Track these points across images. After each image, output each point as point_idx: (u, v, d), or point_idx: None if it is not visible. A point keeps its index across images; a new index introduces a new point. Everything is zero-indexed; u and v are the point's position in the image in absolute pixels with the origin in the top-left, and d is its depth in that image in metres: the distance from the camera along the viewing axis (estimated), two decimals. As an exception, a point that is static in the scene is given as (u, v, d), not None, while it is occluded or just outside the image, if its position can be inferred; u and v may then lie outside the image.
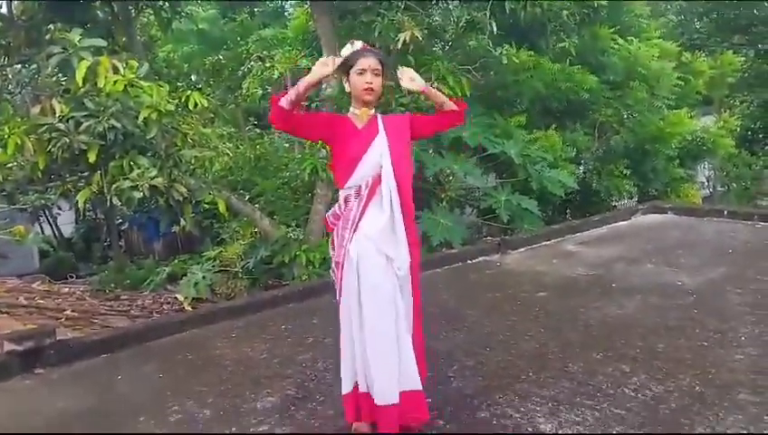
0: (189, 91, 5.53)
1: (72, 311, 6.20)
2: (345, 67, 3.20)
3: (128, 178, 4.70)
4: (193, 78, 11.27)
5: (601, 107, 9.24)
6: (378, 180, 3.16)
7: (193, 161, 5.43)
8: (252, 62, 9.67)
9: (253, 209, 7.59)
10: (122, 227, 15.65)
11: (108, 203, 4.97)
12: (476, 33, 7.51)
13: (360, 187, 3.15)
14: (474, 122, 7.59)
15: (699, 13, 13.78)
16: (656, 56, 9.42)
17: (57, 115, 4.65)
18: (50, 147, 4.64)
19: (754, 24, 13.22)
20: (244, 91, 9.27)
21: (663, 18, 13.68)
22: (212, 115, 8.01)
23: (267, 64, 8.73)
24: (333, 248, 3.17)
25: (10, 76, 5.75)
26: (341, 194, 3.17)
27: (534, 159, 7.63)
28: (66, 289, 7.44)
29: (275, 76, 9.04)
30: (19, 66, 6.43)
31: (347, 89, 3.20)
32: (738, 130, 11.22)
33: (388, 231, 3.15)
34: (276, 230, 7.63)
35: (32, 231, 8.76)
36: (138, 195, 4.74)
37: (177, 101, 5.37)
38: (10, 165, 5.08)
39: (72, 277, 15.10)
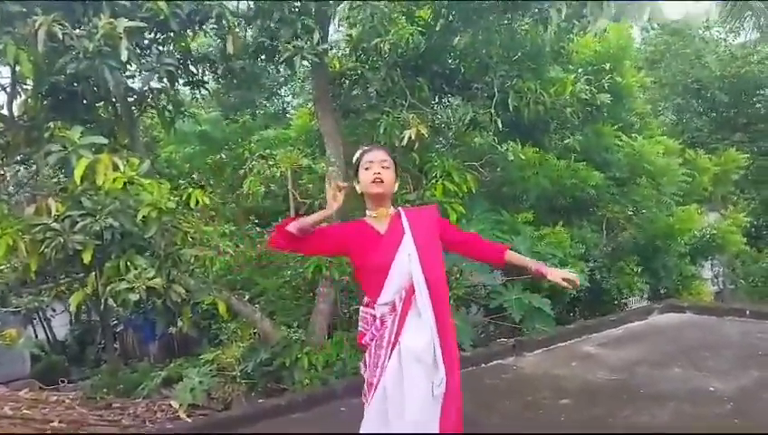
0: (191, 189, 5.37)
1: (60, 422, 5.81)
2: (355, 170, 3.05)
3: (124, 280, 4.45)
4: (195, 177, 11.22)
5: (608, 203, 9.11)
6: (411, 290, 2.93)
7: (193, 261, 5.19)
8: (253, 161, 9.64)
9: (253, 310, 7.29)
10: (117, 329, 15.25)
11: (102, 305, 4.69)
12: (480, 130, 7.46)
13: (394, 302, 2.92)
14: (480, 218, 7.43)
15: (698, 112, 13.96)
16: (660, 153, 9.38)
17: (53, 215, 4.45)
18: (43, 248, 4.42)
19: (753, 123, 13.37)
20: (245, 189, 9.18)
21: (662, 117, 13.82)
22: (213, 213, 7.85)
23: (270, 163, 8.67)
24: (366, 367, 2.92)
25: (8, 176, 5.58)
26: (377, 311, 2.93)
27: (544, 255, 7.41)
28: (55, 397, 7.04)
29: (277, 175, 8.97)
30: (18, 166, 6.31)
31: (358, 190, 3.02)
32: (747, 226, 11.06)
33: (429, 347, 2.90)
34: (277, 332, 7.31)
35: (23, 334, 8.41)
36: (134, 297, 4.48)
37: (177, 198, 5.20)
38: (2, 267, 4.85)
39: (63, 382, 14.58)
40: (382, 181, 2.96)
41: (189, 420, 6.83)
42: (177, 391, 7.72)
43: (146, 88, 6.96)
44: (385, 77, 7.01)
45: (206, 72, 7.87)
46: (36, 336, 16.35)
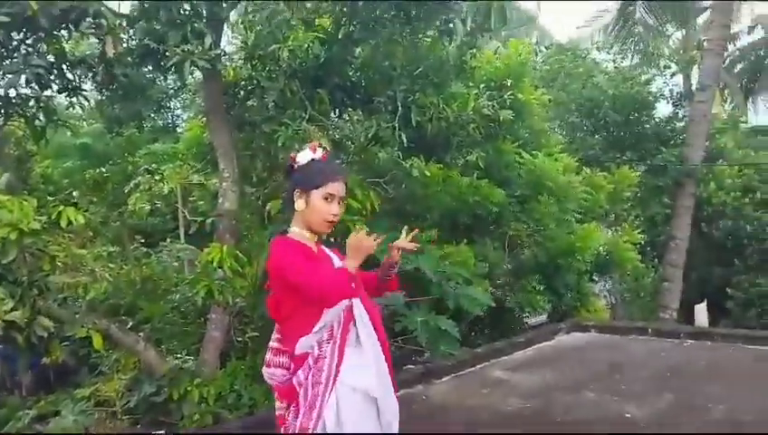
0: (62, 207, 4.71)
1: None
2: (304, 182, 2.60)
3: (-25, 314, 3.78)
4: (75, 194, 10.35)
5: (510, 221, 9.02)
6: (349, 315, 2.52)
7: (64, 288, 4.53)
8: (139, 177, 8.94)
9: (136, 339, 6.60)
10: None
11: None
12: (383, 145, 7.15)
13: (332, 327, 2.48)
14: (381, 238, 7.08)
15: (590, 130, 14.31)
16: (560, 170, 9.41)
17: None
18: None
19: (642, 141, 13.82)
20: (129, 206, 8.48)
21: (556, 135, 14.08)
22: (91, 234, 7.13)
23: (156, 177, 8.03)
24: (292, 415, 2.45)
25: None
26: (306, 344, 2.48)
27: (450, 275, 7.16)
28: None
29: (165, 191, 8.33)
30: None
31: (298, 207, 2.57)
32: (641, 243, 11.30)
33: (377, 381, 2.51)
34: (163, 362, 6.66)
35: None
36: (-12, 334, 3.81)
37: (45, 218, 4.54)
38: None
39: None
40: (334, 223, 2.58)
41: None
42: (50, 430, 6.94)
43: (11, 93, 6.23)
44: (283, 87, 6.56)
45: (84, 79, 7.15)
46: None
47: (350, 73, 7.85)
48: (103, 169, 9.37)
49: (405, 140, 6.79)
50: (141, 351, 6.67)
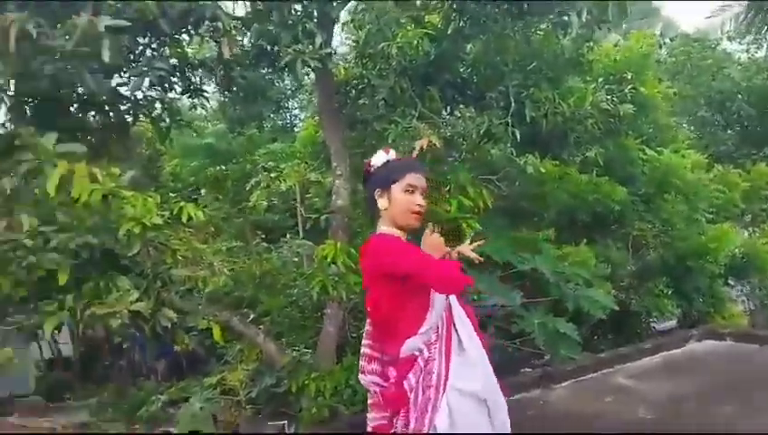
0: (182, 203, 4.92)
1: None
2: (381, 180, 2.58)
3: (103, 304, 4.01)
4: (202, 192, 10.85)
5: (634, 220, 8.59)
6: (450, 316, 2.47)
7: (185, 281, 4.73)
8: (259, 175, 9.23)
9: (256, 332, 6.83)
10: (124, 346, 14.89)
11: (80, 331, 4.26)
12: (496, 142, 6.99)
13: (437, 328, 2.45)
14: (496, 236, 6.94)
15: (722, 125, 13.42)
16: (688, 167, 8.86)
17: (25, 231, 4.02)
18: (13, 267, 3.98)
19: (782, 136, 12.81)
20: (250, 203, 8.77)
21: (684, 130, 13.30)
22: (213, 229, 7.44)
23: (273, 175, 8.26)
24: (398, 423, 2.42)
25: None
26: (413, 346, 2.45)
27: (569, 276, 6.90)
28: (47, 424, 6.60)
29: (283, 189, 8.54)
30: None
31: (381, 205, 2.54)
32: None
33: (486, 383, 2.46)
34: (282, 355, 6.84)
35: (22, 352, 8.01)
36: (116, 322, 4.03)
37: (167, 213, 4.77)
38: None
39: (69, 399, 14.26)
40: (421, 216, 2.54)
41: (187, 450, 6.40)
42: (179, 416, 7.31)
43: (139, 95, 6.61)
44: (393, 85, 6.57)
45: (206, 81, 7.48)
46: (41, 353, 16.06)
47: (461, 70, 7.76)
48: (224, 168, 9.73)
49: (518, 137, 6.61)
50: (261, 343, 6.89)
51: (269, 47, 6.46)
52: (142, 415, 7.82)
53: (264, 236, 10.92)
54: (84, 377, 15.42)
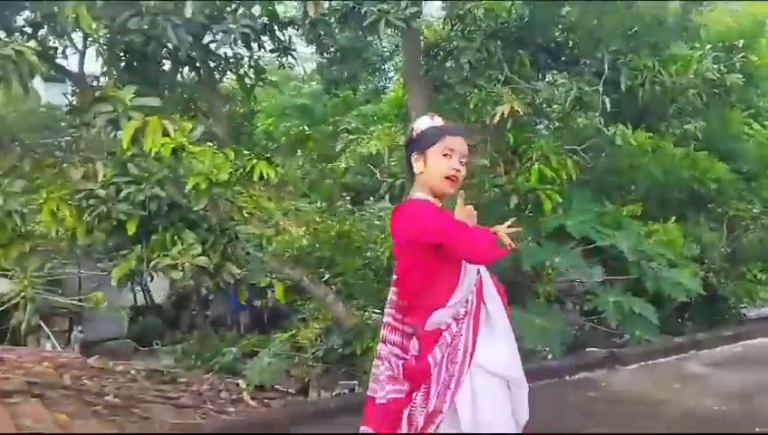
0: (255, 161, 4.94)
1: (115, 396, 5.60)
2: (420, 143, 2.45)
3: (168, 256, 4.08)
4: (299, 153, 10.93)
5: (732, 199, 8.03)
6: (480, 291, 2.36)
7: (250, 238, 4.77)
8: (349, 136, 9.20)
9: (326, 292, 6.87)
10: (210, 297, 15.44)
11: (146, 281, 4.36)
12: (585, 111, 6.64)
13: (467, 302, 2.35)
14: (579, 209, 6.65)
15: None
16: (799, 145, 8.20)
17: (99, 181, 4.13)
18: (86, 215, 4.11)
19: None
20: (341, 164, 8.78)
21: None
22: (291, 188, 7.49)
23: (361, 138, 8.21)
24: (417, 398, 2.34)
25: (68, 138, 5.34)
26: (440, 319, 2.35)
27: (650, 255, 6.55)
28: (121, 367, 6.91)
29: (373, 152, 8.47)
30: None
31: (416, 169, 2.42)
32: None
33: (511, 361, 2.36)
34: (350, 316, 6.87)
35: (105, 297, 8.40)
36: (177, 275, 4.11)
37: (240, 170, 4.80)
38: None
39: (158, 344, 14.99)
40: (457, 181, 2.40)
41: (252, 404, 6.55)
42: (248, 370, 7.49)
43: (229, 53, 6.67)
44: (480, 47, 6.33)
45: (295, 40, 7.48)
46: (135, 300, 16.90)
47: (556, 34, 7.41)
48: (304, 127, 9.76)
49: (608, 105, 6.26)
50: (331, 303, 6.94)
51: (355, 6, 6.35)
52: (215, 365, 8.08)
53: (350, 197, 10.99)
54: (174, 325, 16.17)
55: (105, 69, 6.34)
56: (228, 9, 5.93)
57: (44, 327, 10.95)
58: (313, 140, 9.03)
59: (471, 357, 2.28)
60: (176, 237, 4.22)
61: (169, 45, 5.73)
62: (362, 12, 6.06)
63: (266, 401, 6.77)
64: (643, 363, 5.23)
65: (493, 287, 2.43)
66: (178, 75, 6.79)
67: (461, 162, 2.38)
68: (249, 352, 8.64)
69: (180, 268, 4.07)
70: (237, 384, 7.12)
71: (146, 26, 4.72)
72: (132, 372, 6.80)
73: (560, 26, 7.33)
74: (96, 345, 14.99)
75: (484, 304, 2.38)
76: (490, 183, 6.23)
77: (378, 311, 7.40)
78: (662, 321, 6.83)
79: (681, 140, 7.85)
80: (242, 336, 11.77)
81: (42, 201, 4.15)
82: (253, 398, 6.74)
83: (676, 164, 7.47)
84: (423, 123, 2.45)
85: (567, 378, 4.93)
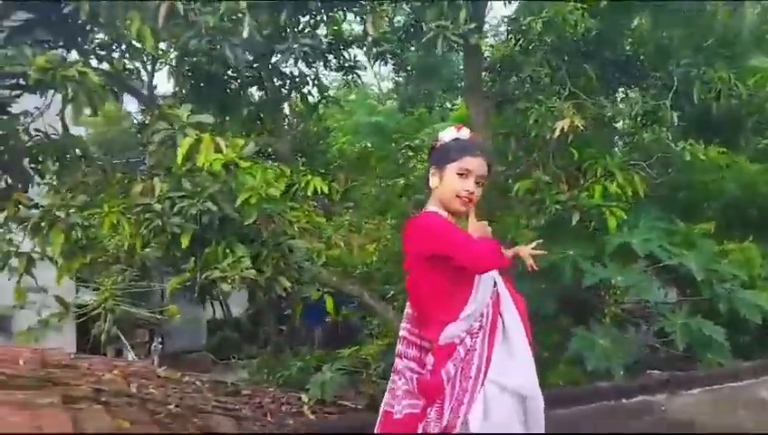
0: (309, 177, 5.05)
1: (176, 406, 5.76)
2: (439, 158, 2.46)
3: (217, 268, 4.20)
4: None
5: (817, 218, 7.57)
6: (497, 304, 2.35)
7: (304, 253, 4.86)
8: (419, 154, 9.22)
9: (385, 308, 6.89)
10: (286, 312, 15.74)
11: (196, 293, 4.50)
12: (652, 125, 6.44)
13: (481, 316, 2.34)
14: (645, 227, 6.42)
15: None
16: None
17: (156, 195, 4.30)
18: (143, 229, 4.29)
19: None
20: (401, 181, 8.82)
21: None
22: (352, 204, 7.59)
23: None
24: (432, 413, 2.33)
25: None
26: (453, 333, 2.35)
27: (723, 274, 6.25)
28: (187, 378, 7.11)
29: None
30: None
31: (432, 184, 2.43)
32: None
33: (527, 378, 2.33)
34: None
35: (177, 310, 8.70)
36: (227, 287, 4.22)
37: (294, 186, 4.92)
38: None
39: (235, 358, 15.38)
40: (471, 202, 2.39)
41: (312, 418, 6.60)
42: (311, 384, 7.56)
43: (295, 72, 6.85)
44: (541, 62, 6.25)
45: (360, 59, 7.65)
46: (214, 314, 17.39)
47: (626, 48, 7.24)
48: (368, 144, 9.87)
49: (676, 120, 6.05)
50: (391, 318, 6.95)
51: (415, 24, 6.42)
52: (279, 379, 8.20)
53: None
54: (251, 339, 16.54)
55: (176, 89, 6.66)
56: (289, 29, 6.12)
57: (122, 338, 11.42)
58: (377, 157, 9.09)
59: (485, 372, 2.25)
60: (227, 251, 4.34)
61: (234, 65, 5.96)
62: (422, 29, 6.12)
63: (327, 415, 6.80)
64: (708, 388, 4.99)
65: (510, 301, 2.39)
66: (248, 94, 7.05)
67: (477, 183, 2.37)
68: (315, 366, 8.73)
69: (230, 281, 4.18)
70: (300, 398, 7.18)
71: (205, 47, 4.91)
72: (198, 383, 6.98)
73: (629, 39, 7.16)
74: (175, 357, 15.53)
75: (501, 317, 2.34)
76: (551, 199, 6.10)
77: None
78: (739, 345, 6.50)
79: (759, 155, 7.49)
80: (314, 351, 11.92)
81: (104, 215, 4.35)
82: (314, 412, 6.78)
83: (754, 180, 7.11)
84: (447, 135, 2.46)
85: (624, 401, 4.74)
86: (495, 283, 2.39)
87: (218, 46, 4.82)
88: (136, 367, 7.09)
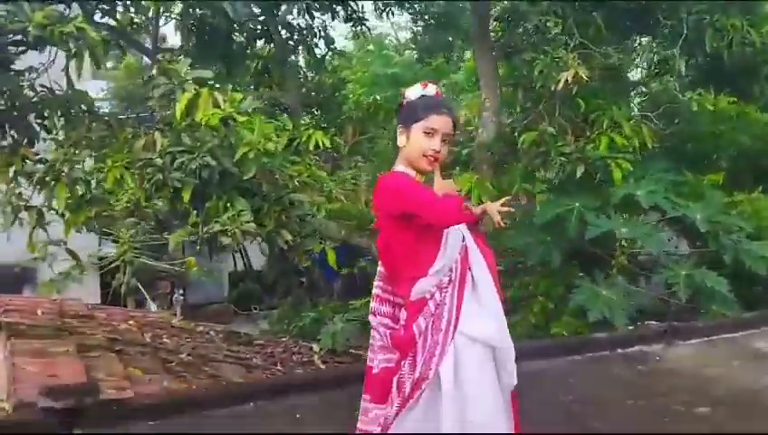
0: (311, 131, 5.09)
1: (188, 355, 5.95)
2: (406, 117, 2.48)
3: (218, 222, 4.30)
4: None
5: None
6: (466, 258, 2.39)
7: (306, 206, 4.93)
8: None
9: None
10: (305, 264, 15.85)
11: (198, 247, 4.61)
12: (662, 75, 6.34)
13: (450, 270, 2.39)
14: (654, 178, 6.38)
15: None
16: None
17: (158, 150, 4.38)
18: (145, 183, 4.39)
19: None
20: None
21: None
22: (360, 158, 7.64)
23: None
24: (405, 366, 2.40)
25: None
26: (423, 288, 2.39)
27: (728, 226, 6.21)
28: (201, 328, 7.29)
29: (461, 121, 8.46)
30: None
31: (399, 142, 2.46)
32: None
33: (499, 329, 2.38)
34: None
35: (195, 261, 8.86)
36: (227, 240, 4.32)
37: (296, 139, 4.97)
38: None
39: (256, 309, 15.63)
40: (437, 161, 2.41)
41: (322, 367, 6.76)
42: (322, 334, 7.71)
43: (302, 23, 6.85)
44: (547, 11, 6.16)
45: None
46: (236, 266, 17.63)
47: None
48: (377, 97, 9.84)
49: (683, 69, 5.95)
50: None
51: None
52: (293, 329, 8.36)
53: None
54: (272, 290, 16.77)
55: (182, 43, 6.70)
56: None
57: (142, 289, 11.66)
58: (386, 109, 9.07)
59: (455, 325, 2.30)
60: (228, 205, 4.43)
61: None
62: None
63: (337, 364, 6.95)
64: (706, 339, 5.02)
65: (479, 254, 2.43)
66: (254, 47, 7.06)
67: (443, 141, 2.38)
68: (330, 317, 8.88)
69: (230, 234, 4.28)
70: (311, 348, 7.34)
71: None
72: (212, 333, 7.16)
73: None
74: (197, 308, 15.80)
75: (470, 271, 2.38)
76: (556, 151, 6.08)
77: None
78: (745, 297, 6.49)
79: (771, 105, 7.36)
80: (332, 303, 12.08)
81: (107, 169, 4.45)
82: (324, 362, 6.93)
83: (765, 131, 7.00)
84: (413, 93, 2.46)
85: (619, 350, 4.80)
86: (464, 238, 2.42)
87: None
88: (152, 317, 7.28)
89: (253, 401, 3.87)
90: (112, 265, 7.42)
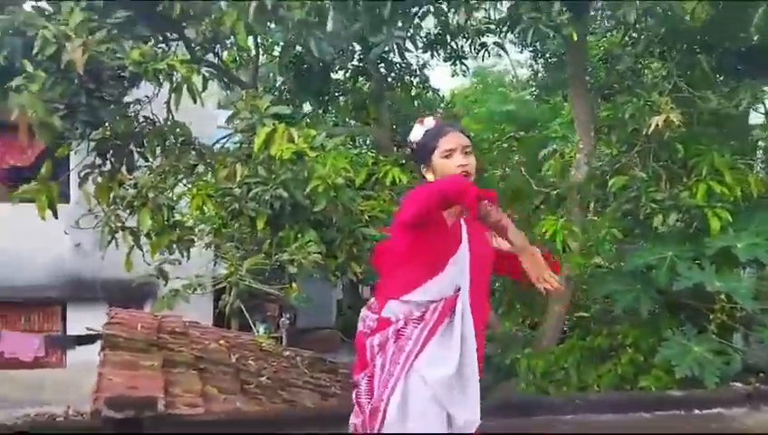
0: (388, 167, 5.22)
1: (268, 378, 6.17)
2: (422, 156, 2.53)
3: (286, 251, 4.48)
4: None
5: None
6: (450, 304, 2.40)
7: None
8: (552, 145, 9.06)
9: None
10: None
11: (266, 274, 4.82)
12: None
13: (431, 306, 2.40)
14: (757, 231, 5.97)
15: None
16: None
17: (237, 181, 4.65)
18: (223, 211, 4.66)
19: None
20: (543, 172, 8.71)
21: None
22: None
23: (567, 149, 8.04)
24: (363, 381, 2.44)
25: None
26: (393, 309, 2.43)
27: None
28: (288, 353, 7.53)
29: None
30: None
31: (429, 180, 2.50)
32: None
33: (454, 381, 2.34)
34: (499, 325, 6.86)
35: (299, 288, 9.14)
36: (293, 269, 4.49)
37: (374, 176, 5.12)
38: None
39: (362, 334, 15.90)
40: (469, 173, 2.43)
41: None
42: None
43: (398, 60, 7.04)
44: (642, 52, 5.99)
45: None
46: (344, 293, 18.01)
47: (751, 36, 6.73)
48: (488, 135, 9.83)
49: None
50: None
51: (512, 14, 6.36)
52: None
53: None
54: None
55: (280, 79, 7.06)
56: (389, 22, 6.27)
57: (245, 312, 12.10)
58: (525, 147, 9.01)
59: (412, 362, 2.29)
60: (299, 235, 4.61)
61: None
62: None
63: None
64: (800, 407, 4.61)
65: (468, 310, 2.37)
66: (347, 84, 7.32)
67: (465, 153, 2.39)
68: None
69: (296, 264, 4.45)
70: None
71: (293, 40, 5.18)
72: (297, 358, 7.36)
73: (749, 26, 6.65)
74: (305, 333, 16.27)
75: (452, 320, 2.35)
76: (648, 197, 5.84)
77: (535, 323, 7.30)
78: None
79: None
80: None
81: (192, 196, 4.76)
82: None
83: None
84: (416, 134, 2.50)
85: (696, 411, 4.50)
86: (459, 287, 2.39)
87: (303, 40, 5.04)
88: (243, 339, 7.59)
89: (298, 428, 3.95)
90: (220, 286, 7.84)
